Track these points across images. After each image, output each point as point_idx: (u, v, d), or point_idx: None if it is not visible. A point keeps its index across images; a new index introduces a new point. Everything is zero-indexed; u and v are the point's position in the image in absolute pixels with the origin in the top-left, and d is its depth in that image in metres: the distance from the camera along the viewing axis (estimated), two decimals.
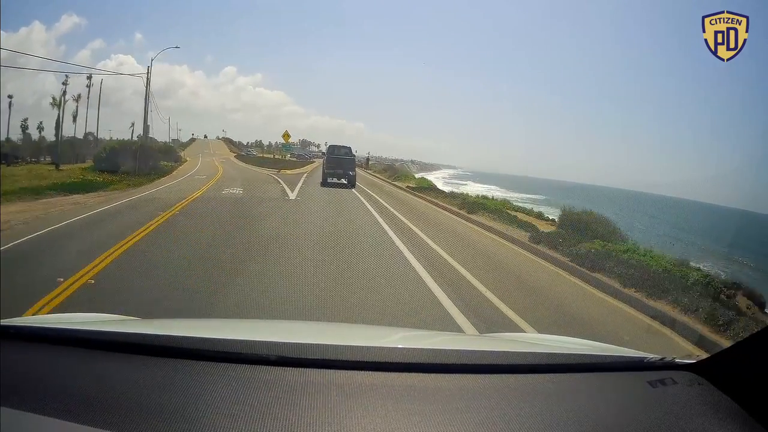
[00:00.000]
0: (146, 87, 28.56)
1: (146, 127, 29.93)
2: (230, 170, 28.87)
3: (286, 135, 30.78)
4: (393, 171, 37.34)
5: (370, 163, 45.16)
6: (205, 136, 65.63)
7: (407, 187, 24.30)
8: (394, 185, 26.41)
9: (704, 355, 1.40)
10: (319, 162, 33.70)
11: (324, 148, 37.30)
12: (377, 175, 34.67)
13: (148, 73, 28.43)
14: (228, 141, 63.89)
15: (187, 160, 36.18)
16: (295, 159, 49.92)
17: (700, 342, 5.08)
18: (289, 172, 29.99)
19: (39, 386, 1.08)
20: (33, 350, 1.27)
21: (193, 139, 63.05)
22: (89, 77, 35.83)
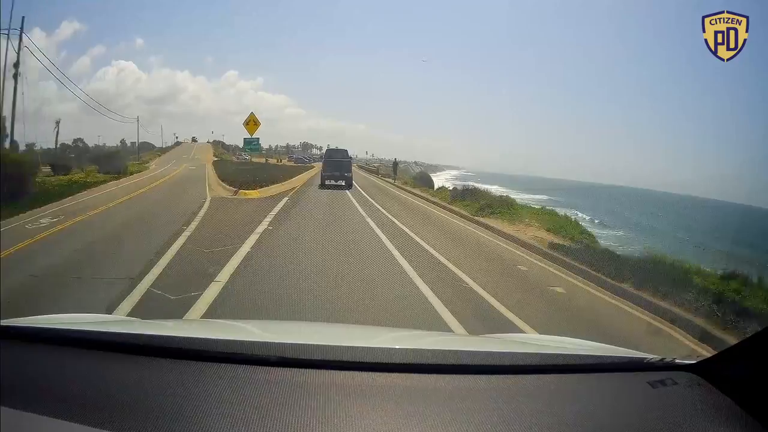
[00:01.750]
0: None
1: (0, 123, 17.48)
2: (160, 191, 17.46)
3: (251, 123, 17.40)
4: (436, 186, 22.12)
5: (398, 169, 32.41)
6: (194, 139, 61.88)
7: (550, 245, 9.41)
8: (487, 230, 11.92)
9: (704, 356, 1.40)
10: (318, 169, 29.54)
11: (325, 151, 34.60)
12: (418, 193, 20.77)
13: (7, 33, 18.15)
14: (219, 144, 61.31)
15: (147, 168, 30.10)
16: (292, 163, 43.93)
17: None
18: (254, 194, 16.06)
19: (39, 386, 1.08)
20: (33, 350, 1.27)
21: (178, 143, 59.39)
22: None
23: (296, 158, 52.34)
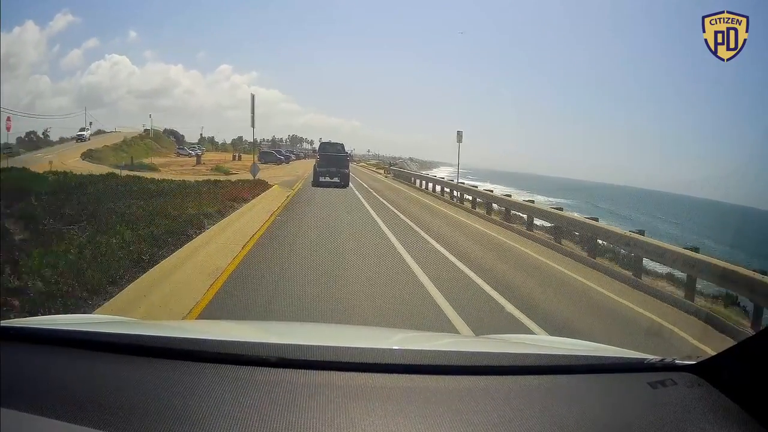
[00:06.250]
0: None
1: None
2: None
3: None
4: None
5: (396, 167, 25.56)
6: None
7: None
8: None
9: (705, 356, 1.40)
10: (292, 174, 25.35)
11: (317, 146, 27.84)
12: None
13: None
14: (169, 134, 50.52)
15: None
16: (258, 161, 25.85)
17: None
18: None
19: (39, 387, 1.08)
20: (33, 351, 1.27)
21: (81, 134, 47.60)
22: None
23: (264, 153, 36.74)
